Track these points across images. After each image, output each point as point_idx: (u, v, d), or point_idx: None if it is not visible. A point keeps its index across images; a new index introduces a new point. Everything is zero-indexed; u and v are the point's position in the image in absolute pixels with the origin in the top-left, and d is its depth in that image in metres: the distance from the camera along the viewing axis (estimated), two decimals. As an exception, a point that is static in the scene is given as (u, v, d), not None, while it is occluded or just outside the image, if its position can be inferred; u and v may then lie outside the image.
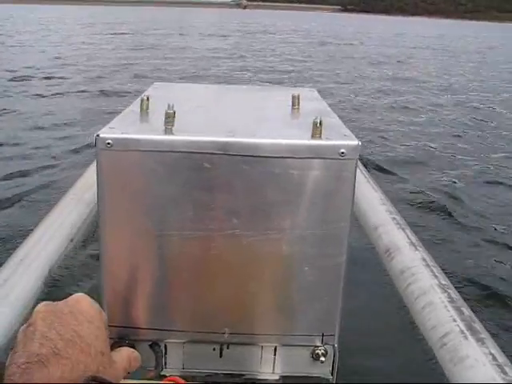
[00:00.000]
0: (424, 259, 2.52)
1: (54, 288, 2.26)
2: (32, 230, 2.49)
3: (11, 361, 0.64)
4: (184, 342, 0.97)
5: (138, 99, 1.05)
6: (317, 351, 0.97)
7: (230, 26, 34.88)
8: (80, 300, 0.75)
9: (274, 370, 0.99)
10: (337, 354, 0.97)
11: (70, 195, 2.80)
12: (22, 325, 0.70)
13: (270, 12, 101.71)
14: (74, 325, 0.69)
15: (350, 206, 0.89)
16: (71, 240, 2.44)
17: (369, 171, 3.31)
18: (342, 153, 0.86)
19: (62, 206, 2.71)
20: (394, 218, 2.81)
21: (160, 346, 0.97)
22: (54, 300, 0.73)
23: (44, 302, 0.73)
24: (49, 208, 2.78)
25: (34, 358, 0.62)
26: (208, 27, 32.33)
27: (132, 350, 0.81)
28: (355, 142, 0.87)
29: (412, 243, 2.63)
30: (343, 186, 0.88)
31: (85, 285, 2.44)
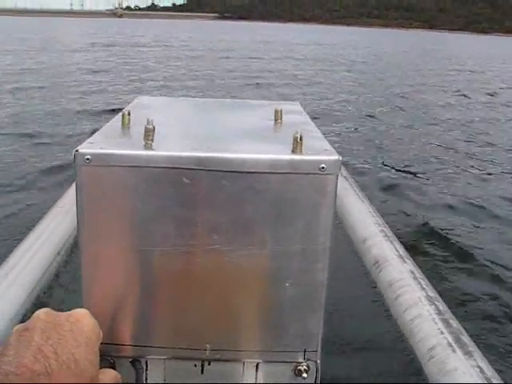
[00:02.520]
0: (412, 271, 2.52)
1: (40, 302, 2.24)
2: (18, 243, 2.47)
3: None
4: (165, 359, 0.96)
5: (120, 114, 1.05)
6: (299, 367, 0.96)
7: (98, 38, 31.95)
8: (82, 318, 0.74)
9: None
10: (319, 370, 0.97)
11: (57, 208, 2.78)
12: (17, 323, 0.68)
13: (147, 21, 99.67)
14: (72, 346, 0.67)
15: (331, 220, 0.89)
16: (58, 253, 2.42)
17: (357, 182, 3.32)
18: (323, 168, 0.86)
19: (49, 219, 2.69)
20: (382, 230, 2.81)
21: (141, 363, 0.96)
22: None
23: (46, 309, 0.72)
24: (36, 221, 2.76)
25: (25, 372, 0.60)
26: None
27: (116, 372, 0.80)
28: (335, 157, 0.87)
29: (400, 255, 2.63)
30: (324, 201, 0.88)
31: (71, 298, 2.42)
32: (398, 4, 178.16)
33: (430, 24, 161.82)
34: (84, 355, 0.68)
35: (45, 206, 3.05)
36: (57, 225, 2.59)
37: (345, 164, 4.37)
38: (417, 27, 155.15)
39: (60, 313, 0.74)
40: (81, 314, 0.75)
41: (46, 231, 2.55)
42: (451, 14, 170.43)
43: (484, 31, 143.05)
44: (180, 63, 18.56)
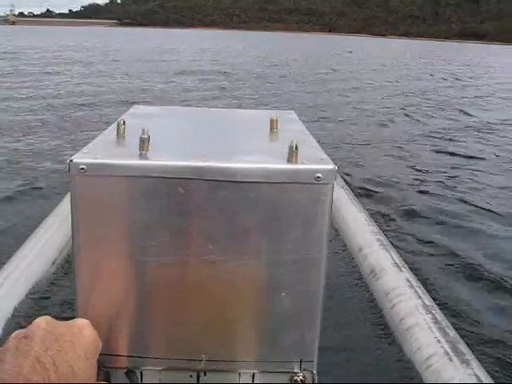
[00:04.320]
0: (408, 280, 2.52)
1: (36, 311, 2.23)
2: (14, 251, 2.47)
3: None
4: (160, 370, 0.96)
5: (115, 124, 1.04)
6: (295, 377, 0.95)
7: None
8: (83, 329, 0.72)
9: None
10: (316, 380, 0.96)
11: (52, 217, 2.78)
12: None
13: (42, 28, 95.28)
14: (72, 358, 0.65)
15: (326, 230, 0.89)
16: (53, 263, 2.42)
17: (353, 191, 3.32)
18: (318, 177, 0.86)
19: (44, 228, 2.69)
20: (378, 239, 2.81)
21: (136, 374, 0.96)
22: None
23: (46, 317, 0.70)
24: (31, 230, 2.75)
25: (22, 382, 0.58)
26: None
27: None
28: (331, 166, 0.87)
29: (396, 264, 2.63)
30: (320, 211, 0.88)
31: (66, 307, 2.40)
32: (297, 8, 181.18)
33: (330, 27, 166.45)
34: (83, 368, 0.67)
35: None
36: (52, 234, 2.58)
37: (340, 173, 4.39)
38: (317, 31, 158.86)
39: (61, 322, 0.72)
40: (82, 324, 0.74)
41: (40, 240, 2.54)
42: (349, 17, 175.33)
43: (381, 34, 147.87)
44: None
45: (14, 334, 0.66)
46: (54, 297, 2.46)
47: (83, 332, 0.73)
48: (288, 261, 0.89)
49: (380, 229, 3.02)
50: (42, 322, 0.69)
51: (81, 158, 0.86)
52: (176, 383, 0.96)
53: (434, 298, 2.40)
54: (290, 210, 0.87)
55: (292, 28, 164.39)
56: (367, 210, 3.25)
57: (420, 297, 2.40)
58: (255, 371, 0.96)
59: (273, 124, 1.13)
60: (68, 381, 0.63)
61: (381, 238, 2.85)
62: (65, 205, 2.79)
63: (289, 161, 0.87)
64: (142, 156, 0.88)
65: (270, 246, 0.89)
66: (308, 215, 0.88)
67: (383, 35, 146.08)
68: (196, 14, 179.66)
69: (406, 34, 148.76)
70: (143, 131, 0.88)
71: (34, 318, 0.71)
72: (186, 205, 0.87)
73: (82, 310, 0.92)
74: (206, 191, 0.86)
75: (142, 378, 0.96)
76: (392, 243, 2.82)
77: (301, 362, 0.95)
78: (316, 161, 0.89)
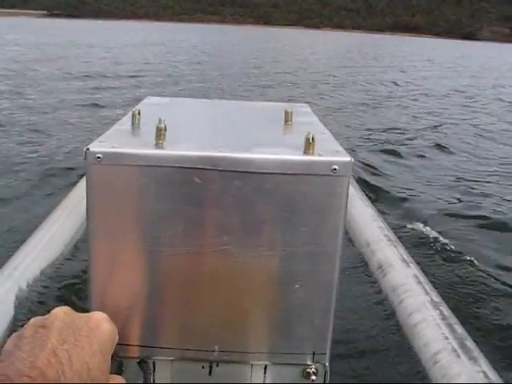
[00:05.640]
0: (416, 276, 2.51)
1: (44, 302, 2.24)
2: (23, 242, 2.47)
3: (11, 354, 0.60)
4: (173, 360, 0.96)
5: (130, 113, 1.04)
6: (308, 370, 0.95)
7: None
8: (100, 324, 0.72)
9: None
10: (328, 372, 0.96)
11: (61, 208, 2.78)
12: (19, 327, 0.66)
13: None
14: (88, 354, 0.65)
15: (342, 222, 0.89)
16: (61, 253, 2.42)
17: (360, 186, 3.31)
18: (335, 169, 0.86)
19: (53, 219, 2.69)
20: (386, 235, 2.80)
21: (148, 364, 0.96)
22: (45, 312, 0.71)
23: (65, 308, 0.70)
24: (40, 220, 2.76)
25: (37, 375, 0.58)
26: None
27: (124, 379, 0.79)
28: (348, 159, 0.87)
29: (404, 260, 2.62)
30: (335, 203, 0.87)
31: (75, 299, 2.41)
32: (233, 0, 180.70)
33: (265, 19, 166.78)
34: (97, 365, 0.66)
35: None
36: (61, 224, 2.59)
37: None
38: (252, 23, 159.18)
39: (78, 314, 0.72)
40: (100, 318, 0.74)
41: (50, 230, 2.55)
42: (284, 9, 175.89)
43: (316, 26, 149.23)
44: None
45: (31, 321, 0.66)
46: (61, 288, 2.47)
47: (100, 327, 0.72)
48: (302, 253, 0.89)
49: (388, 224, 3.01)
50: (60, 312, 0.69)
51: (97, 146, 0.86)
52: (188, 373, 0.96)
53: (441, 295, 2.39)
54: (305, 201, 0.87)
55: (227, 20, 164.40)
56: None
57: (428, 293, 2.40)
58: (267, 363, 0.96)
59: (287, 116, 1.13)
60: (82, 378, 0.63)
61: (388, 234, 2.84)
62: (74, 195, 2.80)
63: (305, 152, 0.87)
64: (158, 145, 0.88)
65: (284, 238, 0.88)
66: (324, 207, 0.87)
67: (318, 27, 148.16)
68: (129, 5, 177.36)
69: (341, 26, 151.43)
70: (160, 121, 0.88)
71: (48, 306, 0.71)
72: (201, 195, 0.87)
73: (95, 299, 0.92)
74: (221, 181, 0.86)
75: (154, 368, 0.96)
76: (399, 239, 2.81)
77: (313, 354, 0.95)
78: (332, 153, 0.89)
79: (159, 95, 1.51)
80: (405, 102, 13.10)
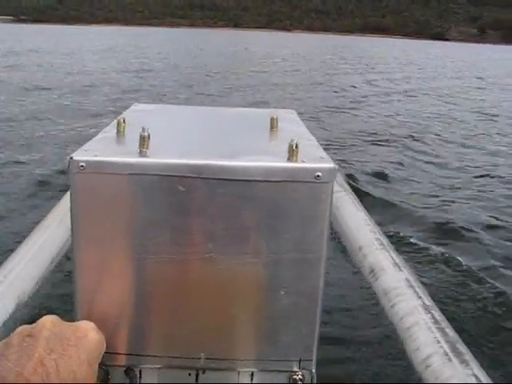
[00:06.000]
0: (408, 280, 2.51)
1: (33, 310, 2.22)
2: (13, 250, 2.46)
3: None
4: (159, 368, 0.96)
5: (115, 121, 1.04)
6: (294, 376, 0.95)
7: None
8: (88, 333, 0.72)
9: None
10: (315, 378, 0.96)
11: (52, 215, 2.77)
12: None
13: None
14: (75, 363, 0.65)
15: (326, 229, 0.89)
16: (52, 262, 2.41)
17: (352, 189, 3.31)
18: (318, 176, 0.86)
19: (43, 227, 2.68)
20: (377, 239, 2.81)
21: (135, 372, 0.96)
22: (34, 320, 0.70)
23: (52, 317, 0.69)
24: (31, 228, 2.75)
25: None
26: None
27: None
28: (331, 165, 0.87)
29: (396, 264, 2.62)
30: (319, 209, 0.88)
31: (64, 307, 2.40)
32: (201, 3, 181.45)
33: (235, 22, 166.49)
34: (85, 374, 0.66)
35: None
36: (51, 233, 2.58)
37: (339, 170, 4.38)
38: (222, 26, 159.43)
39: (66, 323, 0.72)
40: (87, 328, 0.74)
41: (39, 239, 2.54)
42: (254, 12, 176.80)
43: (286, 29, 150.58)
44: None
45: (18, 330, 0.66)
46: (54, 293, 2.46)
47: (88, 336, 0.72)
48: (288, 259, 0.89)
49: (380, 228, 3.02)
50: (48, 321, 0.69)
51: (80, 155, 0.86)
52: (175, 381, 0.96)
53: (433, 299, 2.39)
54: (289, 208, 0.87)
55: (197, 24, 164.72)
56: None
57: (420, 297, 2.40)
58: (254, 370, 0.96)
59: (273, 123, 1.13)
60: None
61: (380, 238, 2.84)
62: (64, 203, 2.79)
63: (289, 159, 0.87)
64: (141, 154, 0.88)
65: (269, 245, 0.88)
66: (308, 214, 0.87)
67: (288, 30, 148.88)
68: (97, 9, 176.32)
69: (311, 28, 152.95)
70: (143, 129, 0.88)
71: (37, 315, 0.71)
72: (185, 203, 0.87)
73: (80, 308, 0.92)
74: (205, 189, 0.86)
75: (140, 376, 0.96)
76: (391, 243, 2.82)
77: (300, 361, 0.95)
78: (316, 159, 0.89)
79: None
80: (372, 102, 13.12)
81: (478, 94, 17.26)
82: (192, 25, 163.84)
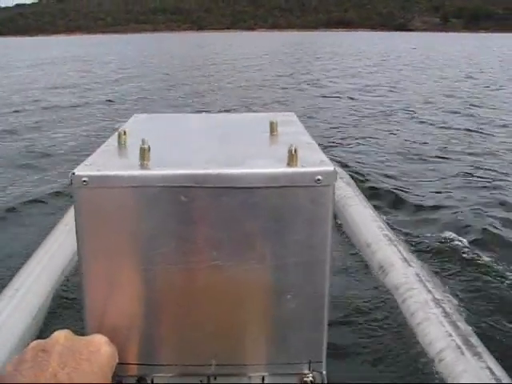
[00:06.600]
0: (418, 274, 2.51)
1: (47, 320, 2.24)
2: (25, 261, 2.49)
3: (12, 378, 0.61)
4: (171, 376, 0.96)
5: (116, 133, 1.05)
6: (305, 379, 0.96)
7: None
8: (101, 347, 0.72)
9: None
10: (325, 380, 0.97)
11: (61, 227, 2.80)
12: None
13: None
14: (89, 378, 0.65)
15: (329, 231, 0.89)
16: (62, 272, 2.43)
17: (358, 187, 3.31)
18: (318, 180, 0.86)
19: (53, 238, 2.70)
20: (386, 235, 2.81)
21: (147, 381, 0.96)
22: (49, 331, 0.70)
23: (65, 332, 0.69)
24: (41, 239, 2.77)
25: None
26: None
27: None
28: (331, 168, 0.87)
29: (405, 259, 2.62)
30: (321, 213, 0.88)
31: (77, 315, 2.41)
32: (164, 8, 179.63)
33: (199, 25, 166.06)
34: None
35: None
36: (60, 246, 2.60)
37: (347, 170, 4.37)
38: (186, 29, 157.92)
39: (79, 337, 0.72)
40: (100, 341, 0.74)
41: (48, 253, 2.56)
42: (217, 13, 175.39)
43: (251, 28, 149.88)
44: None
45: (32, 345, 0.66)
46: (63, 306, 2.47)
47: (101, 350, 0.72)
48: (292, 263, 0.90)
49: (387, 224, 3.02)
50: (61, 336, 0.69)
51: (83, 170, 0.87)
52: None
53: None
54: (292, 213, 0.87)
55: (160, 28, 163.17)
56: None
57: (430, 291, 2.40)
58: (265, 374, 0.96)
59: (273, 127, 1.13)
60: None
61: (388, 234, 2.84)
62: (70, 216, 2.81)
63: (289, 164, 0.88)
64: (142, 166, 0.88)
65: (273, 250, 0.89)
66: (310, 217, 0.88)
67: (253, 29, 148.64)
68: (59, 19, 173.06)
69: (276, 26, 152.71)
70: (143, 141, 0.89)
71: (49, 329, 0.72)
72: (188, 213, 0.87)
73: (90, 321, 0.92)
74: (207, 198, 0.86)
75: None
76: (400, 238, 2.81)
77: (310, 363, 0.95)
78: (316, 163, 0.89)
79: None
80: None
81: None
82: (155, 29, 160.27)
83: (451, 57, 25.42)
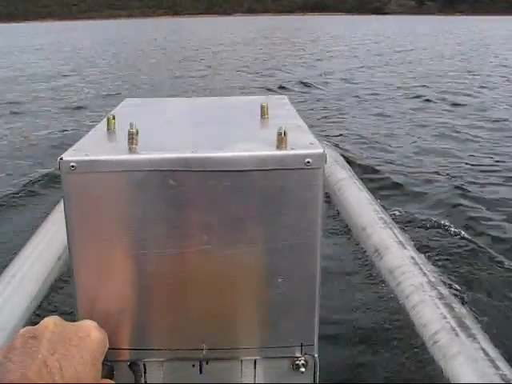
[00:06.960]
0: (413, 257, 2.52)
1: (43, 306, 2.25)
2: (22, 247, 2.48)
3: (1, 366, 0.61)
4: (163, 361, 0.97)
5: (105, 118, 1.04)
6: (297, 362, 0.96)
7: None
8: (90, 332, 0.72)
9: (255, 383, 0.98)
10: (317, 363, 0.97)
11: (57, 212, 2.79)
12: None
13: None
14: (78, 363, 0.65)
15: (319, 214, 0.89)
16: (59, 258, 2.43)
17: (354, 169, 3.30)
18: (308, 162, 0.85)
19: (49, 224, 2.70)
20: (381, 218, 2.81)
21: (139, 366, 0.97)
22: (44, 315, 0.70)
23: (54, 318, 0.69)
24: (37, 225, 2.77)
25: None
26: None
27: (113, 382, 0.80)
28: (320, 151, 0.87)
29: (400, 242, 2.63)
30: (311, 195, 0.87)
31: (71, 302, 2.42)
32: None
33: (174, 10, 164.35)
34: (88, 373, 0.66)
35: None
36: (55, 232, 2.59)
37: (340, 152, 4.36)
38: (161, 15, 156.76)
39: (68, 323, 0.72)
40: (89, 327, 0.74)
41: (44, 239, 2.56)
42: None
43: (227, 13, 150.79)
44: None
45: (21, 332, 0.66)
46: (59, 291, 2.47)
47: (90, 335, 0.72)
48: (283, 247, 0.90)
49: (383, 207, 3.02)
50: (50, 322, 0.69)
51: (71, 155, 0.86)
52: (179, 373, 0.97)
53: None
54: (281, 196, 0.87)
55: (135, 14, 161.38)
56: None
57: (425, 274, 2.41)
58: (257, 357, 0.96)
59: (263, 110, 1.12)
60: None
61: (384, 217, 2.84)
62: None
63: (278, 147, 0.87)
64: (131, 150, 0.87)
65: (264, 233, 0.89)
66: (300, 201, 0.87)
67: (229, 14, 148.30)
68: (30, 5, 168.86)
69: (251, 11, 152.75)
70: (131, 125, 0.88)
71: (42, 315, 0.72)
72: (178, 196, 0.87)
73: (81, 307, 0.92)
74: (196, 182, 0.86)
75: (145, 370, 0.97)
76: (395, 221, 2.82)
77: (302, 346, 0.96)
78: (305, 146, 0.89)
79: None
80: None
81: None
82: (130, 15, 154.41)
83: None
